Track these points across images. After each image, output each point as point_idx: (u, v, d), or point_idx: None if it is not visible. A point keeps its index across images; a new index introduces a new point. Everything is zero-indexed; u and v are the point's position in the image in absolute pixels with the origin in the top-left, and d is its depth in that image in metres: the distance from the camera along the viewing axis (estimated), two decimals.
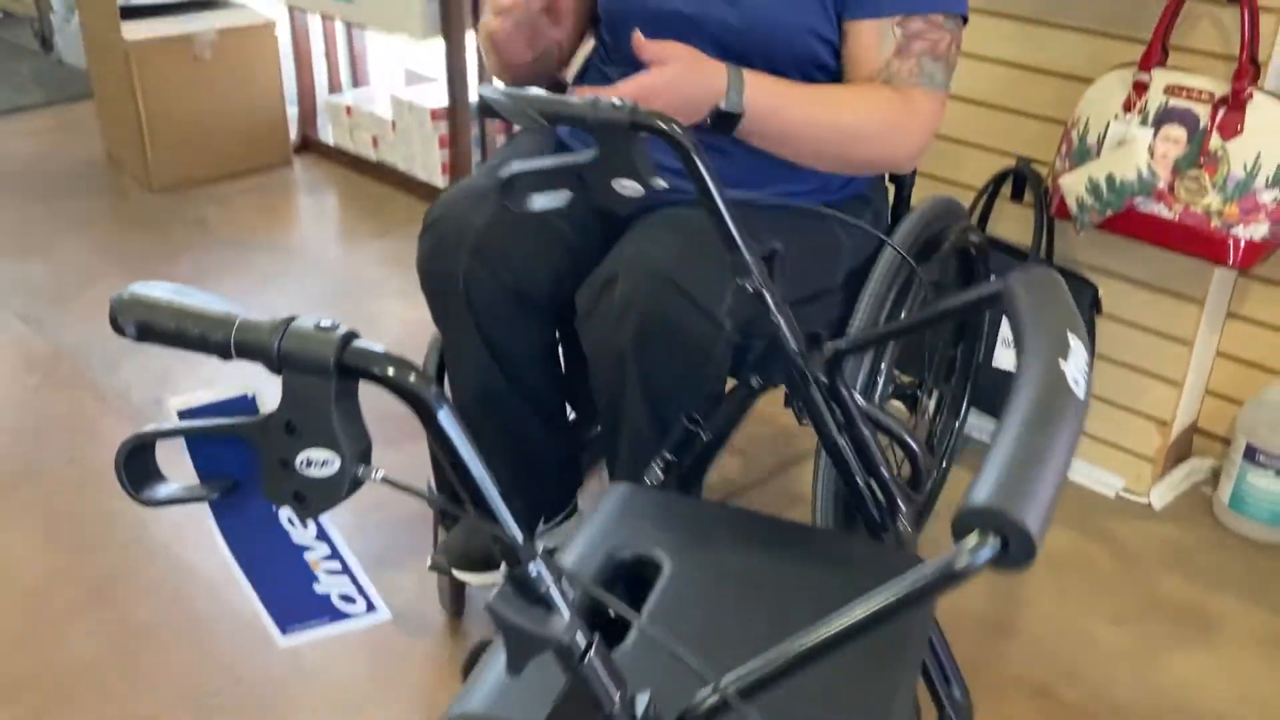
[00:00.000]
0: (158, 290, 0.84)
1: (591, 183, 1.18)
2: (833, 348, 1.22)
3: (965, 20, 1.46)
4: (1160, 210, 1.79)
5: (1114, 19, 1.92)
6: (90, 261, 2.98)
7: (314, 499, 0.87)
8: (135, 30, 3.28)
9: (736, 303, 1.42)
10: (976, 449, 2.19)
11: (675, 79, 1.32)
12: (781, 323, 1.22)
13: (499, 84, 1.31)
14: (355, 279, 2.91)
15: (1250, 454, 1.97)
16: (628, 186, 1.17)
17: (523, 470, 1.63)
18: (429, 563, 1.68)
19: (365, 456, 0.87)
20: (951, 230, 1.71)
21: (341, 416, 0.85)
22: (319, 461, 0.87)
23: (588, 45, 1.68)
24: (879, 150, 1.45)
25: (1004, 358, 2.03)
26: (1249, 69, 1.69)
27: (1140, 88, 1.79)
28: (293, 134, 3.65)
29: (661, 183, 1.17)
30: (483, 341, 1.52)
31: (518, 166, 1.17)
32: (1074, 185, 1.85)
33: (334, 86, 3.74)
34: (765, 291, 1.20)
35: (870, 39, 1.38)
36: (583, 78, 1.62)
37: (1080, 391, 0.78)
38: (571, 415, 1.73)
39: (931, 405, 1.98)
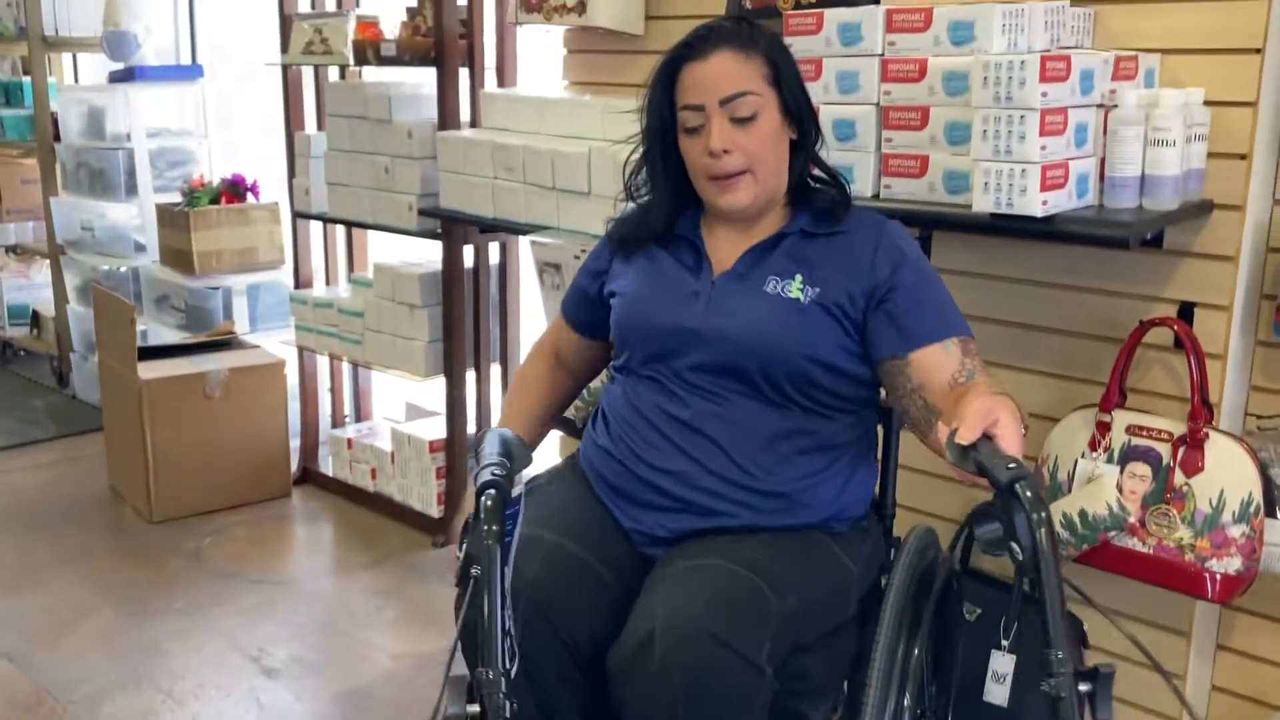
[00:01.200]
0: (493, 438, 1.46)
1: (1002, 535, 1.23)
2: None
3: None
4: (1135, 544, 1.83)
5: (1073, 363, 2.04)
6: (83, 595, 2.98)
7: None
8: (151, 370, 3.44)
9: (774, 647, 1.42)
10: None
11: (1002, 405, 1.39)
12: None
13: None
14: (346, 611, 2.90)
15: None
16: (1015, 550, 1.20)
17: None
18: None
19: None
20: (942, 563, 1.76)
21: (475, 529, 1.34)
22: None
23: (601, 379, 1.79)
24: None
25: (995, 693, 2.00)
26: (1202, 410, 1.79)
27: (1103, 427, 1.88)
28: (294, 466, 3.75)
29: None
30: (530, 694, 1.48)
31: (982, 515, 1.27)
32: None
33: (337, 420, 3.88)
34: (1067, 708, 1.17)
35: (939, 357, 1.56)
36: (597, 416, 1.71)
37: None
38: None
39: None
